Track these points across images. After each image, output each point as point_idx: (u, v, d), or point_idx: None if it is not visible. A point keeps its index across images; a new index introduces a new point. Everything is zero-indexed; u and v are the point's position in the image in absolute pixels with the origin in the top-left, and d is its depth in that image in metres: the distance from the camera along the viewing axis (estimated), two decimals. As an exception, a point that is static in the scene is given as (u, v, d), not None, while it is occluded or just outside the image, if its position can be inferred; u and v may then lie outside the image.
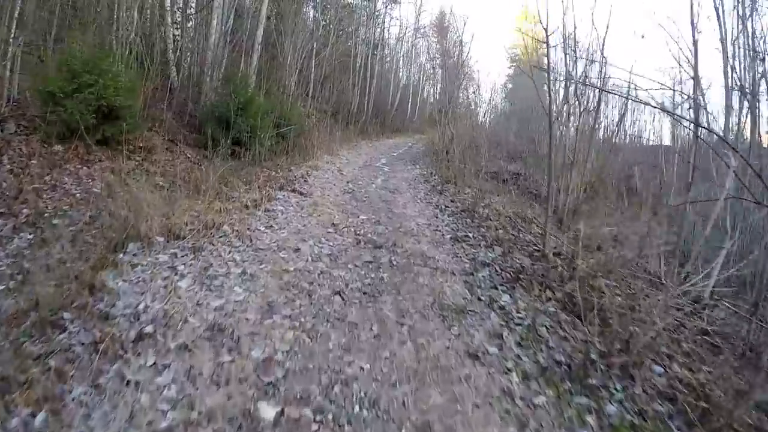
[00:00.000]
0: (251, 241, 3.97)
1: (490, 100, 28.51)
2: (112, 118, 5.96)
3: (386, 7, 24.39)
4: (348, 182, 7.36)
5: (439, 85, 39.81)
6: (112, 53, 6.45)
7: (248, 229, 4.24)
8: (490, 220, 5.28)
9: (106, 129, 5.92)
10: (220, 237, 3.89)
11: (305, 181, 6.78)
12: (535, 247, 4.46)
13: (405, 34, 27.46)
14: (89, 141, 5.64)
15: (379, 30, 24.63)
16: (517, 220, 5.42)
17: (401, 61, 28.72)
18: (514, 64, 43.94)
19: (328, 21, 21.23)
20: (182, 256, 3.42)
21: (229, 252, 3.64)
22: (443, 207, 6.26)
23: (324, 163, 9.06)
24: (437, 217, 5.61)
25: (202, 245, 3.63)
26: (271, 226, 4.52)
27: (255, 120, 8.35)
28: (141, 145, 6.76)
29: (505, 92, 42.57)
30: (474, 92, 28.63)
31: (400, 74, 28.39)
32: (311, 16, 20.52)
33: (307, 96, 16.95)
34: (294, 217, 4.97)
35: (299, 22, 16.07)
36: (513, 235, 4.85)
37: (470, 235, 4.78)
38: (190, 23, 9.83)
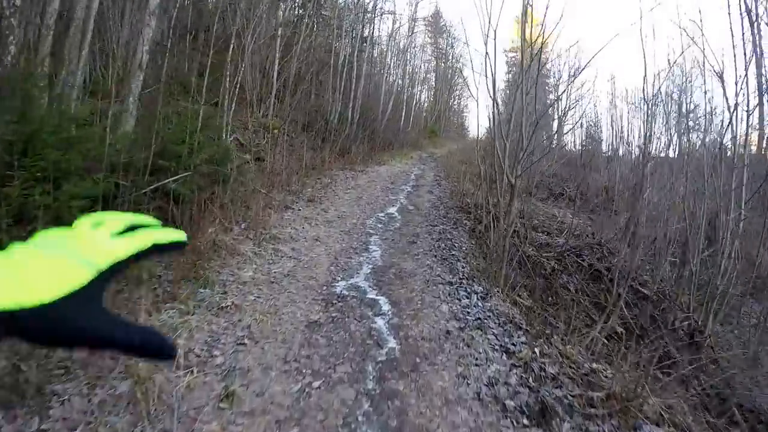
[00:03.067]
0: None
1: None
2: None
3: (377, -5, 18.20)
4: None
5: (433, 91, 33.96)
6: None
7: None
8: None
9: None
10: None
11: None
12: None
13: (398, 28, 21.33)
14: None
15: (368, 24, 18.55)
16: None
17: (393, 62, 22.57)
18: (513, 69, 38.37)
19: (301, 5, 15.19)
20: None
21: None
22: None
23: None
24: None
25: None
26: None
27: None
28: None
29: (504, 99, 36.98)
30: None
31: (392, 77, 22.30)
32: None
33: (264, 102, 11.01)
34: None
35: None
36: None
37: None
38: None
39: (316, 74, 14.44)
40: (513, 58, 34.96)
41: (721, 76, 7.01)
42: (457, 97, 38.70)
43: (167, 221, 4.33)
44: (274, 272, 3.93)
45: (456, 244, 5.23)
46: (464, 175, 9.78)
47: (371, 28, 18.96)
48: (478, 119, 44.38)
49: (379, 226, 5.81)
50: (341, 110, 13.74)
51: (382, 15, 19.78)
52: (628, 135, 17.45)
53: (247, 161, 8.55)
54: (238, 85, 8.96)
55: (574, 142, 22.70)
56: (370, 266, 4.29)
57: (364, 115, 15.32)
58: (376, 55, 20.45)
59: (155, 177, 4.81)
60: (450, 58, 31.67)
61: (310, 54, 14.00)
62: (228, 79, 8.62)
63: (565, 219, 9.09)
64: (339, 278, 3.93)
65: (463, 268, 4.50)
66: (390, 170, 11.61)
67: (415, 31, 22.77)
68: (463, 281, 4.09)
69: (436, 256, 4.73)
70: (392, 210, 6.87)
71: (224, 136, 8.48)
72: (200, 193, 5.14)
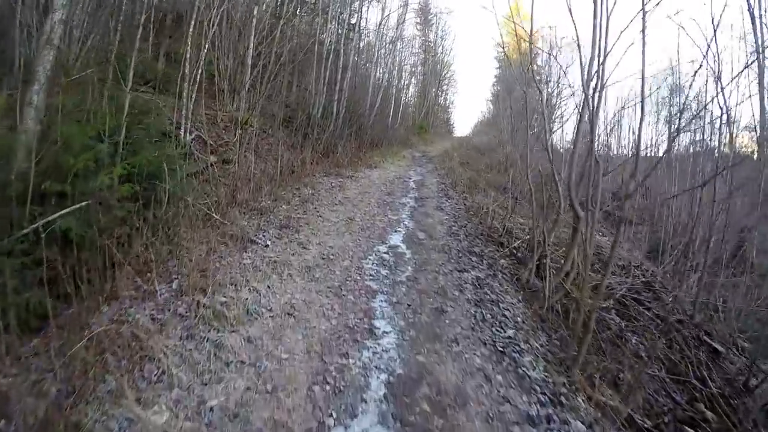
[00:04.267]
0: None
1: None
2: None
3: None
4: None
5: (421, 85, 32.00)
6: None
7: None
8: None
9: None
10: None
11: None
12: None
13: (388, 16, 19.24)
14: None
15: (355, 13, 16.46)
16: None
17: (382, 52, 20.47)
18: (501, 64, 36.52)
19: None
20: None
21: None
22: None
23: None
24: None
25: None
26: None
27: None
28: None
29: (492, 95, 35.32)
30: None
31: (381, 70, 20.25)
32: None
33: (238, 93, 9.04)
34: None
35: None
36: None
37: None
38: None
39: (299, 63, 12.46)
40: (501, 53, 33.30)
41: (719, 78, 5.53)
42: (444, 92, 36.92)
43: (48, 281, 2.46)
44: (210, 408, 2.04)
45: (507, 313, 3.39)
46: (476, 185, 7.96)
47: (359, 16, 16.91)
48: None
49: (384, 273, 3.93)
50: (325, 104, 11.76)
51: (370, 1, 17.78)
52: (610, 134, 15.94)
53: (210, 164, 6.61)
54: (199, 71, 6.98)
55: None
56: (383, 377, 2.42)
57: (351, 109, 13.37)
58: (362, 45, 18.44)
59: (45, 207, 2.95)
60: (440, 50, 29.87)
61: (292, 40, 11.99)
62: (188, 64, 6.65)
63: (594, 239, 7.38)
64: (332, 420, 2.06)
65: (534, 369, 2.68)
66: (383, 175, 9.72)
67: (405, 19, 20.76)
68: (551, 413, 2.26)
69: (485, 344, 2.89)
70: (397, 240, 5.00)
71: (182, 134, 6.51)
72: (108, 232, 3.20)
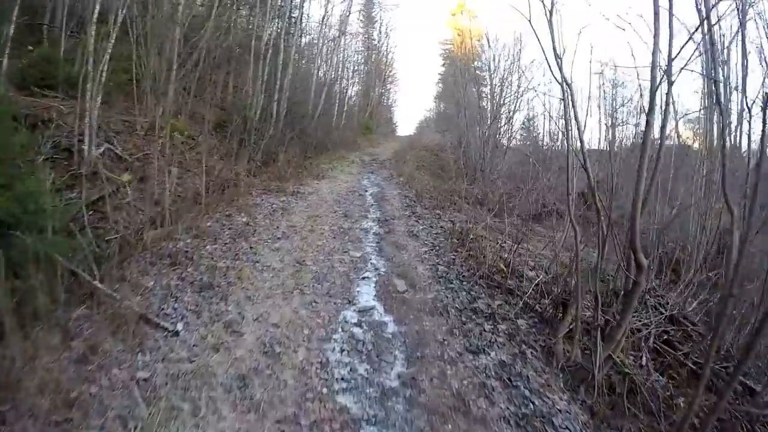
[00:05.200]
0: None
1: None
2: None
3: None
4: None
5: (364, 85, 30.50)
6: None
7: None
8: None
9: None
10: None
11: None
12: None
13: (332, 9, 17.52)
14: None
15: (297, 9, 14.60)
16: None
17: (324, 50, 18.65)
18: (447, 61, 35.74)
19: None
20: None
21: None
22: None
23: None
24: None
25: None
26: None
27: None
28: None
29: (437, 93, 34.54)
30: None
31: (324, 68, 18.48)
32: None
33: (164, 94, 7.16)
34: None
35: None
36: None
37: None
38: None
39: (234, 59, 10.67)
40: (447, 50, 32.49)
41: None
42: (387, 91, 35.64)
43: None
44: None
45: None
46: (446, 197, 6.67)
47: (300, 11, 15.10)
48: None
49: (362, 372, 2.58)
50: (264, 105, 10.07)
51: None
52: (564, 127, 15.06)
53: (123, 185, 4.91)
54: (103, 71, 5.26)
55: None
56: None
57: (293, 111, 11.72)
58: (305, 42, 16.63)
59: None
60: (384, 48, 28.63)
61: (228, 35, 10.19)
62: (92, 58, 4.92)
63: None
64: None
65: None
66: (334, 188, 8.24)
67: (351, 12, 19.20)
68: None
69: None
70: (368, 295, 3.63)
71: (86, 147, 4.87)
72: None
